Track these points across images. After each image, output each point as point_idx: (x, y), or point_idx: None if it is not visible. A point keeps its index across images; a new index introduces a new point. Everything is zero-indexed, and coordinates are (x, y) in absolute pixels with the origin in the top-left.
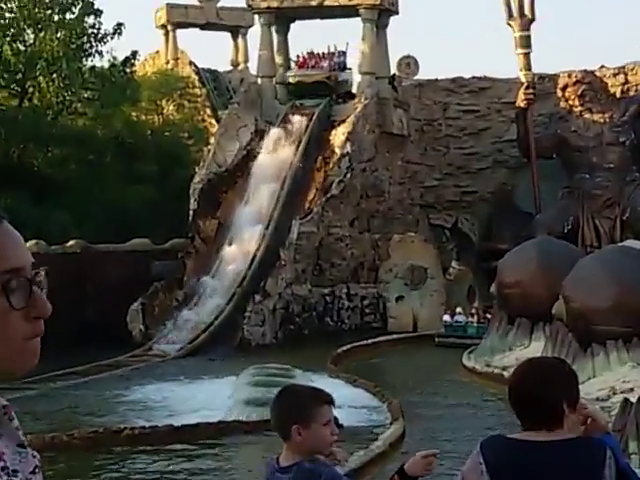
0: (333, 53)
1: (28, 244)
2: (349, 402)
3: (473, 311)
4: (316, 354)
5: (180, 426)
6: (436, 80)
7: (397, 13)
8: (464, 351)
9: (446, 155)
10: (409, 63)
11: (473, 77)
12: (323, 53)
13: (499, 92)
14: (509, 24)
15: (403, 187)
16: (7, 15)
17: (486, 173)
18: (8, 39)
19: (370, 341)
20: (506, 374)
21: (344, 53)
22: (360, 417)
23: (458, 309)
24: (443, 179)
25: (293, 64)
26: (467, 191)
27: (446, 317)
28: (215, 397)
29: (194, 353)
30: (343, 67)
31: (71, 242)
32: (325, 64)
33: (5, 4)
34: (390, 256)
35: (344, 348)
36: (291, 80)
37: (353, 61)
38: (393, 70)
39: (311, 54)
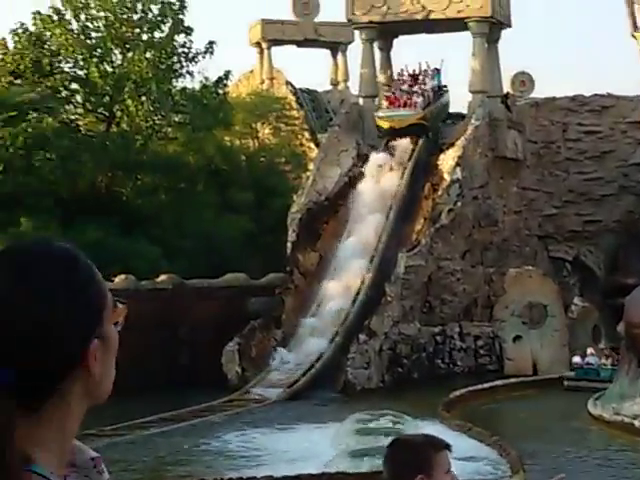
0: (424, 76)
1: (117, 279)
2: (463, 453)
3: (606, 352)
4: (426, 399)
5: (280, 477)
6: (554, 98)
7: (510, 26)
8: (590, 397)
9: (566, 181)
10: (524, 80)
11: (595, 95)
12: (414, 75)
13: (624, 111)
14: (634, 36)
15: (519, 216)
16: (93, 35)
17: (611, 200)
18: (95, 60)
19: (486, 385)
20: (637, 423)
21: (438, 71)
22: (476, 469)
23: (589, 350)
24: (563, 207)
25: (384, 101)
26: (590, 220)
27: (576, 359)
28: (317, 446)
29: (294, 397)
30: (438, 89)
31: (162, 277)
32: (419, 100)
33: (91, 23)
34: (506, 292)
35: (457, 393)
36: (382, 124)
37: (451, 76)
38: (506, 88)
39: (400, 78)
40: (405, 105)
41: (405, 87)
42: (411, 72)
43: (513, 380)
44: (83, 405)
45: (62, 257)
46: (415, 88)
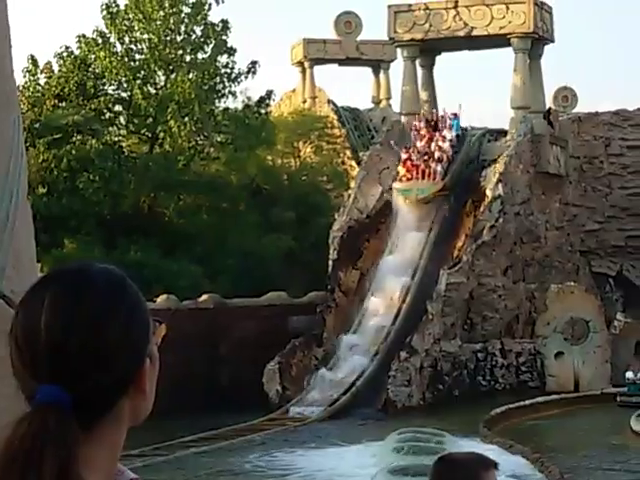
0: (443, 125)
1: (159, 299)
2: (505, 471)
3: None
4: (467, 417)
5: None
6: (596, 113)
7: (552, 41)
8: (633, 413)
9: (609, 196)
10: (566, 95)
11: (638, 109)
12: (433, 121)
13: None
14: None
15: (561, 232)
16: (137, 57)
17: None
18: (138, 82)
19: (527, 402)
20: None
21: (456, 116)
22: None
23: None
24: (606, 222)
25: (400, 168)
26: (633, 235)
27: (629, 374)
28: (358, 465)
29: (335, 416)
30: (457, 138)
31: (204, 297)
32: (438, 168)
33: (135, 45)
34: (548, 308)
35: (498, 410)
36: (400, 199)
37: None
38: (549, 104)
39: (417, 128)
40: (424, 176)
41: (423, 145)
42: (430, 118)
43: (555, 397)
44: (128, 425)
45: (114, 278)
46: (433, 146)
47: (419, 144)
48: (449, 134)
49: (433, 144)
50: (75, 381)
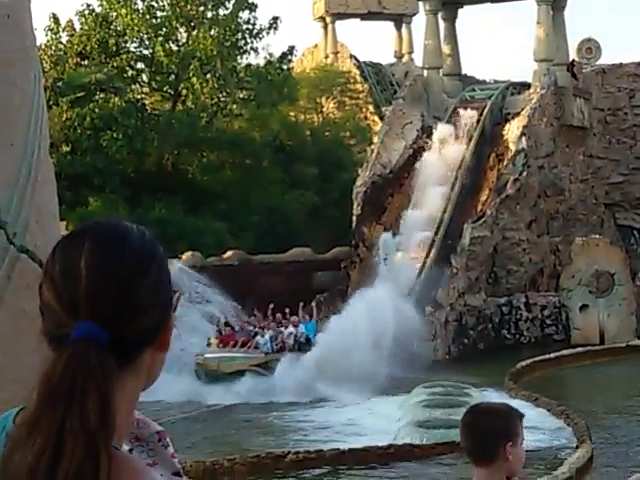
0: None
1: (184, 256)
2: (530, 423)
3: None
4: (492, 370)
5: (347, 450)
6: (620, 65)
7: None
8: None
9: (633, 148)
10: (590, 47)
11: None
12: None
13: None
14: None
15: (585, 185)
16: (159, 14)
17: None
18: (160, 39)
19: (553, 355)
20: None
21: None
22: (543, 440)
23: None
24: (630, 174)
25: (213, 339)
26: None
27: None
28: (383, 418)
29: None
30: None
31: (228, 253)
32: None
33: (156, 2)
34: (572, 261)
35: (524, 363)
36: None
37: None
38: (572, 56)
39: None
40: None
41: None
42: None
43: (580, 349)
44: (143, 382)
45: (149, 235)
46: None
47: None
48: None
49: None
50: (112, 322)
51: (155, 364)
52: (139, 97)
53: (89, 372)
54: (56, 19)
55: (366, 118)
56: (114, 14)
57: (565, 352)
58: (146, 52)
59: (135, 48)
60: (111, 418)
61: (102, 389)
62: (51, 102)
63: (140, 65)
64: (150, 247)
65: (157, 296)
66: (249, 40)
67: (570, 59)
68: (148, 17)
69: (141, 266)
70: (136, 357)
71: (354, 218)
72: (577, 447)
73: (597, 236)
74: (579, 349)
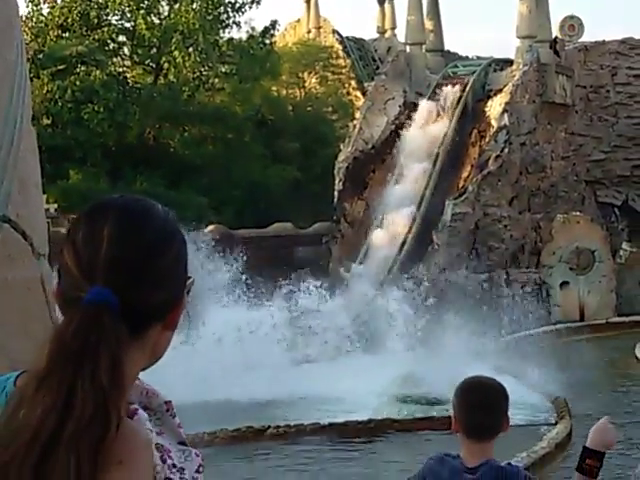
0: None
1: None
2: (511, 399)
3: None
4: (474, 346)
5: (328, 424)
6: (603, 42)
7: None
8: (636, 343)
9: (615, 125)
10: (573, 24)
11: None
12: None
13: None
14: None
15: (567, 162)
16: None
17: None
18: (142, 12)
19: (533, 331)
20: None
21: None
22: (523, 415)
23: None
24: (612, 152)
25: None
26: (639, 165)
27: None
28: (363, 393)
29: None
30: None
31: (210, 227)
32: None
33: None
34: (553, 238)
35: (504, 339)
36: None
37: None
38: (555, 33)
39: None
40: None
41: None
42: None
43: (560, 326)
44: (147, 357)
45: (170, 214)
46: None
47: None
48: None
49: None
50: (126, 291)
51: (161, 342)
52: (120, 70)
53: (102, 333)
54: None
55: (348, 93)
56: None
57: (546, 328)
58: (128, 25)
59: (117, 21)
60: (122, 381)
61: (114, 351)
62: (32, 74)
63: (122, 38)
64: (172, 227)
65: (173, 275)
66: (231, 14)
67: (553, 36)
68: None
69: (162, 242)
70: (144, 331)
71: (336, 193)
72: (556, 423)
73: (578, 213)
74: (559, 325)
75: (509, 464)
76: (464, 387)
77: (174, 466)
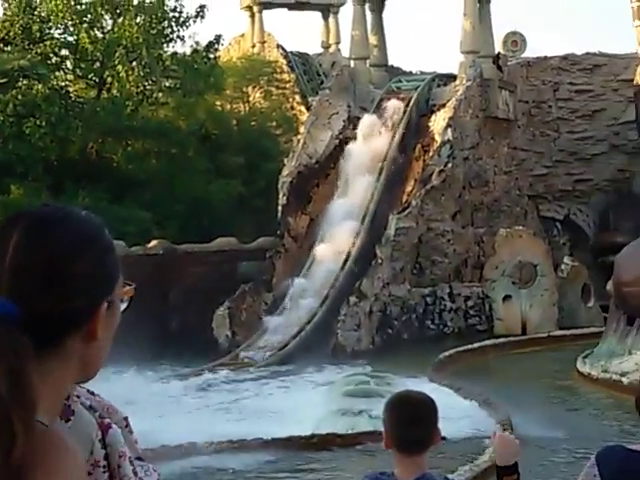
0: None
1: None
2: (454, 412)
3: None
4: (417, 360)
5: (270, 439)
6: (545, 58)
7: None
8: (578, 356)
9: (557, 140)
10: (515, 40)
11: (587, 53)
12: None
13: (615, 69)
14: None
15: (510, 176)
16: (84, 0)
17: (601, 159)
18: (85, 26)
19: (476, 345)
20: (625, 380)
21: None
22: (465, 428)
23: None
24: (554, 167)
25: None
26: (581, 179)
27: None
28: (307, 407)
29: (284, 360)
30: None
31: (153, 242)
32: None
33: None
34: (496, 252)
35: (447, 353)
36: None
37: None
38: (498, 48)
39: None
40: None
41: None
42: None
43: (502, 340)
44: (77, 372)
45: (93, 220)
46: None
47: None
48: None
49: None
50: (32, 300)
51: (90, 354)
52: (63, 84)
53: None
54: None
55: (292, 108)
56: (38, 0)
57: (488, 342)
58: (71, 39)
59: (59, 34)
60: (27, 394)
61: (12, 364)
62: None
63: (64, 52)
64: (91, 233)
65: (89, 282)
66: (175, 28)
67: (496, 51)
68: (73, 3)
69: (75, 248)
70: (61, 342)
71: (280, 208)
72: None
73: (521, 227)
74: (502, 339)
75: (446, 478)
76: (393, 402)
77: (137, 474)
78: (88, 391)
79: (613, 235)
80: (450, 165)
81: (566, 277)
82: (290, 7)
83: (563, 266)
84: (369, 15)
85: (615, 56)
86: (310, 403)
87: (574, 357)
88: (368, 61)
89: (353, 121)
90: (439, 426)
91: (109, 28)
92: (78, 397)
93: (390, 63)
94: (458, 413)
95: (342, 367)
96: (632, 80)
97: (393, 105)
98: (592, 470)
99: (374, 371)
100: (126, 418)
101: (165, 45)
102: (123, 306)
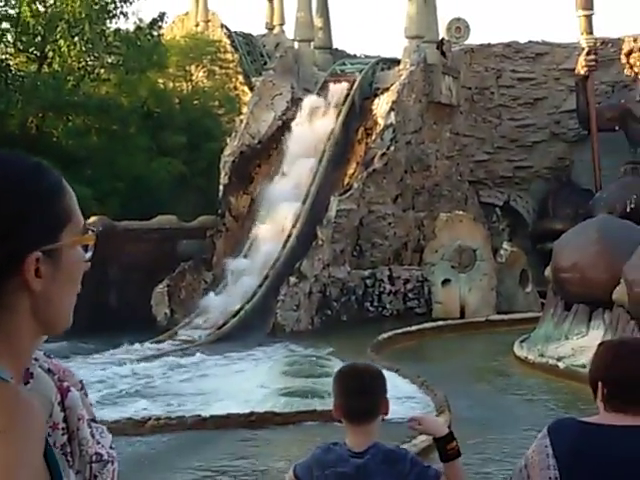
0: None
1: None
2: (391, 393)
3: None
4: (355, 341)
5: (209, 417)
6: (489, 45)
7: None
8: (515, 340)
9: (498, 127)
10: (459, 27)
11: (529, 42)
12: None
13: (557, 58)
14: None
15: (451, 161)
16: None
17: (542, 147)
18: (27, 0)
19: (414, 328)
20: (561, 365)
21: None
22: (403, 409)
23: None
24: (495, 153)
25: None
26: (521, 166)
27: None
28: (245, 386)
29: (223, 339)
30: None
31: (92, 219)
32: None
33: None
34: (436, 236)
35: (385, 335)
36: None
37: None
38: (442, 34)
39: None
40: None
41: None
42: None
43: (441, 323)
44: (35, 328)
45: (31, 166)
46: None
47: None
48: None
49: None
50: None
51: (40, 307)
52: (3, 57)
53: None
54: None
55: (235, 88)
56: None
57: (427, 325)
58: (12, 12)
59: (0, 7)
60: None
61: None
62: None
63: (5, 25)
64: (16, 177)
65: (12, 227)
66: (119, 4)
67: (440, 37)
68: None
69: (5, 190)
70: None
71: (221, 187)
72: (437, 416)
73: (461, 212)
74: (440, 322)
75: (398, 447)
76: (341, 373)
77: (98, 442)
78: (45, 354)
79: (552, 222)
80: (392, 149)
81: (505, 262)
82: None
83: (502, 251)
84: None
85: (557, 45)
86: (249, 383)
87: (511, 341)
88: (312, 43)
89: (296, 102)
90: (387, 397)
91: (51, 2)
92: (36, 360)
93: (334, 46)
94: (395, 393)
95: (281, 347)
96: (574, 69)
97: (336, 87)
98: (543, 441)
99: (312, 351)
100: (81, 381)
101: (108, 21)
102: (88, 255)
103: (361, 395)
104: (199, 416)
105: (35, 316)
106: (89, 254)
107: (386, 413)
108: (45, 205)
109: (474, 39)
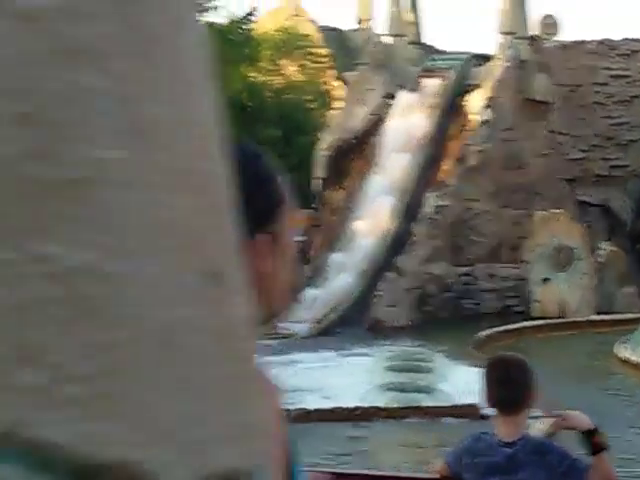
0: None
1: None
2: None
3: None
4: (453, 339)
5: (313, 410)
6: (582, 42)
7: None
8: (616, 341)
9: (593, 125)
10: (549, 23)
11: (624, 39)
12: None
13: None
14: None
15: (546, 159)
16: None
17: (638, 145)
18: None
19: (514, 326)
20: None
21: None
22: None
23: None
24: (590, 151)
25: None
26: (617, 165)
27: None
28: (349, 381)
29: (323, 333)
30: None
31: None
32: None
33: None
34: (533, 234)
35: (485, 333)
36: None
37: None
38: (534, 30)
39: None
40: None
41: None
42: None
43: (540, 322)
44: (261, 310)
45: (252, 151)
46: None
47: None
48: None
49: None
50: None
51: (268, 287)
52: None
53: None
54: None
55: (326, 83)
56: None
57: (526, 323)
58: None
59: None
60: None
61: None
62: None
63: None
64: (245, 162)
65: (240, 210)
66: None
67: (532, 33)
68: None
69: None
70: None
71: (316, 181)
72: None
73: (558, 210)
74: (540, 321)
75: (546, 439)
76: (488, 364)
77: None
78: None
79: None
80: (487, 145)
81: (604, 262)
82: None
83: (601, 251)
84: None
85: None
86: (351, 377)
87: (612, 342)
88: (405, 38)
89: (389, 97)
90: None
91: None
92: None
93: (423, 41)
94: None
95: (381, 343)
96: None
97: (430, 83)
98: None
99: (414, 347)
100: None
101: (200, 14)
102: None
103: (506, 386)
104: (304, 409)
105: (262, 298)
106: (295, 233)
107: (532, 405)
108: (265, 187)
109: (566, 36)
